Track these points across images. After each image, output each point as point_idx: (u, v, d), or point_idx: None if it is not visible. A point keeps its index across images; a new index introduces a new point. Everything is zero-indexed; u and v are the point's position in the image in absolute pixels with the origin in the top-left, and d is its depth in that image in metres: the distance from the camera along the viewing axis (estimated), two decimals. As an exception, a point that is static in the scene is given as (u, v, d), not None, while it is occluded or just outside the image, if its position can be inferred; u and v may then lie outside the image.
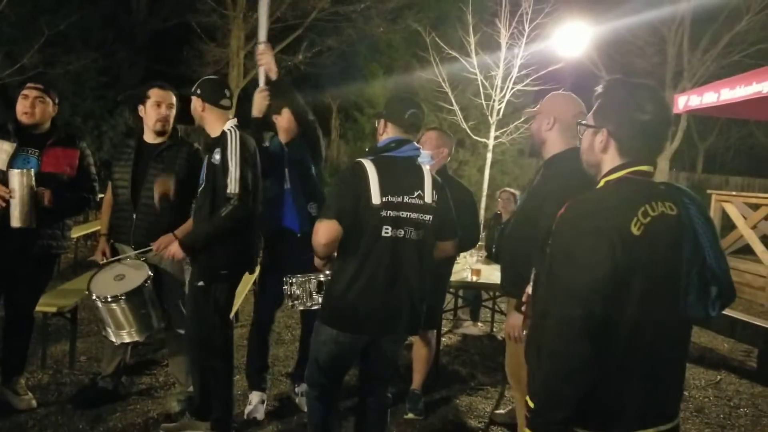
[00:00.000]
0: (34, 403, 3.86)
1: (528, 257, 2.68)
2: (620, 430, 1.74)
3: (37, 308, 4.06)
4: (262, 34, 3.93)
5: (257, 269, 4.04)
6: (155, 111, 3.77)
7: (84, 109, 12.82)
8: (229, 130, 3.40)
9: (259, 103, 3.90)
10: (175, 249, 3.40)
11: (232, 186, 3.26)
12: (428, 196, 2.85)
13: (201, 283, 3.40)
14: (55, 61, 11.82)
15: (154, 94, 3.79)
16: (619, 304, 1.67)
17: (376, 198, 2.73)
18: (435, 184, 2.91)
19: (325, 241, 2.71)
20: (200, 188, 3.45)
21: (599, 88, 1.89)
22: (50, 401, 3.98)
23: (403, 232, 2.79)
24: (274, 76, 3.84)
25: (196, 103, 3.51)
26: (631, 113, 1.78)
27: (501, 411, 4.25)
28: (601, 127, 1.83)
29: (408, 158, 2.89)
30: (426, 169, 2.94)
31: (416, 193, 2.83)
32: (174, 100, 3.84)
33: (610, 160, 1.83)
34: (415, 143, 2.96)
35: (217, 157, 3.36)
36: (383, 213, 2.74)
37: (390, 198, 2.76)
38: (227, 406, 3.58)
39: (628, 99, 1.81)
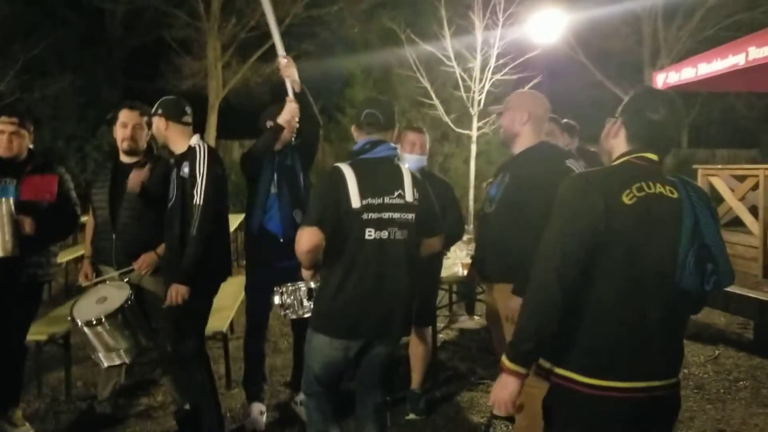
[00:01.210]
0: (32, 432, 3.83)
1: (520, 244, 2.89)
2: (612, 378, 1.92)
3: (29, 337, 4.03)
4: (280, 49, 3.95)
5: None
6: (121, 131, 3.79)
7: (65, 131, 12.75)
8: (197, 144, 3.47)
9: (289, 112, 3.84)
10: (177, 290, 3.34)
11: (198, 197, 3.32)
12: (409, 194, 2.83)
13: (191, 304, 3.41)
14: (32, 85, 11.75)
15: (121, 114, 3.81)
16: (600, 262, 1.89)
17: (355, 202, 2.72)
18: (415, 182, 2.89)
19: (307, 249, 2.69)
20: (170, 203, 3.47)
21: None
22: (48, 430, 3.95)
23: (387, 234, 2.77)
24: (298, 88, 3.86)
25: (158, 123, 3.56)
26: (644, 110, 2.04)
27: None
28: (618, 117, 2.10)
29: (384, 159, 2.88)
30: (404, 167, 2.92)
31: (397, 193, 2.80)
32: (143, 120, 3.82)
33: (619, 146, 2.08)
34: (392, 143, 2.94)
35: (186, 170, 3.40)
36: (364, 216, 2.73)
37: (370, 200, 2.74)
38: (216, 419, 3.60)
39: (645, 98, 2.08)
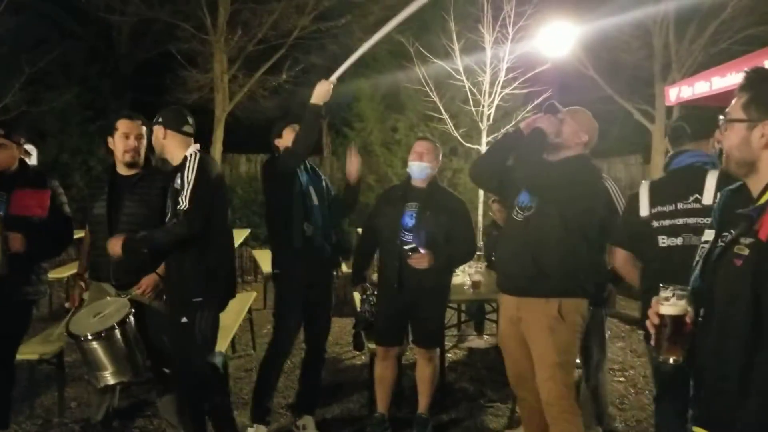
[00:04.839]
0: (21, 457, 3.68)
1: (558, 254, 2.98)
2: None
3: (21, 356, 3.89)
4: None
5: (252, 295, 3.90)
6: (123, 142, 3.63)
7: (71, 145, 12.69)
8: (190, 154, 3.33)
9: (322, 90, 3.72)
10: (115, 245, 3.27)
11: (183, 202, 3.18)
12: (708, 198, 2.83)
13: (184, 320, 3.26)
14: (39, 98, 11.69)
15: (122, 125, 3.65)
16: None
17: (644, 211, 3.01)
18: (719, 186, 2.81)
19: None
20: (167, 219, 3.34)
21: (743, 81, 1.78)
22: (39, 454, 3.80)
23: (681, 240, 2.89)
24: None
25: (157, 132, 3.43)
26: None
27: (512, 431, 4.06)
28: (759, 121, 1.72)
29: (685, 167, 3.02)
30: (711, 173, 2.90)
31: (692, 198, 2.88)
32: (143, 130, 3.70)
33: None
34: (699, 151, 3.00)
35: (178, 181, 3.27)
36: (654, 224, 2.98)
37: (659, 208, 2.96)
38: None
39: None
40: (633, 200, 3.07)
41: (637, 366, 5.53)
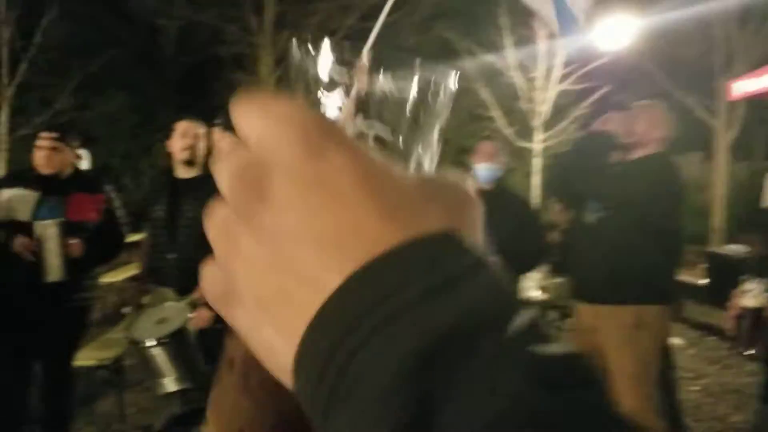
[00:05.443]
0: (82, 466, 3.59)
1: (641, 258, 2.78)
2: None
3: (78, 362, 3.82)
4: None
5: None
6: (181, 141, 3.55)
7: (120, 149, 12.87)
8: None
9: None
10: (207, 316, 3.11)
11: None
12: None
13: (219, 326, 3.13)
14: (88, 104, 11.87)
15: (180, 126, 3.58)
16: None
17: None
18: None
19: None
20: None
21: None
22: (100, 462, 3.71)
23: None
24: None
25: (216, 133, 3.29)
26: None
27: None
28: None
29: None
30: None
31: None
32: (201, 130, 3.61)
33: None
34: None
35: None
36: None
37: None
38: None
39: None
40: (760, 189, 3.01)
41: (711, 374, 5.21)
